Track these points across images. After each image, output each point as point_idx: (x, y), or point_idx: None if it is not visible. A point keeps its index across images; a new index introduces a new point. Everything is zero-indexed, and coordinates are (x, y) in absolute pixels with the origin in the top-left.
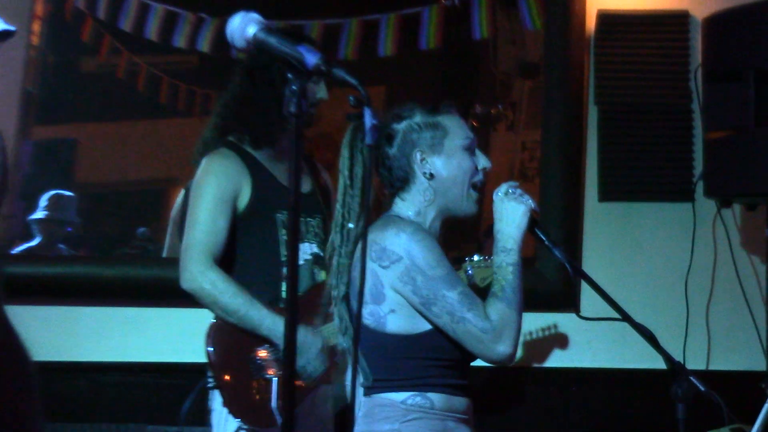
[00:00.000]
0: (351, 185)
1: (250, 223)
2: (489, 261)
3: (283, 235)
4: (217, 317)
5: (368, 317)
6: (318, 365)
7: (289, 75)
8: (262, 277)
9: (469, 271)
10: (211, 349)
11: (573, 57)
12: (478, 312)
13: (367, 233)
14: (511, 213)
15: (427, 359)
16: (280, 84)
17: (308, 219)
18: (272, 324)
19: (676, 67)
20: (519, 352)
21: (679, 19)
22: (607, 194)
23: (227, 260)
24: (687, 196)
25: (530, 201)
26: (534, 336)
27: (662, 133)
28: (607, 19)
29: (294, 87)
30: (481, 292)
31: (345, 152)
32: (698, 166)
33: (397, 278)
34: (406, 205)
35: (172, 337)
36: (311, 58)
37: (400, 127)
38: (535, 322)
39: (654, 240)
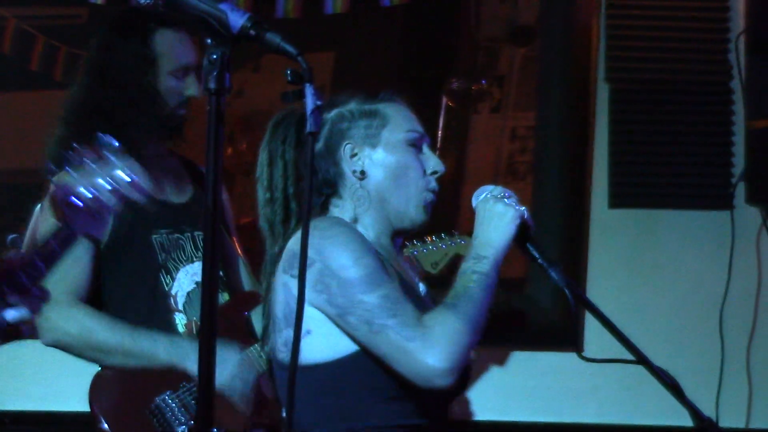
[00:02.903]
0: (271, 199)
1: (120, 252)
2: (436, 241)
3: (163, 259)
4: (97, 372)
5: (283, 348)
6: (243, 383)
7: (209, 41)
8: (145, 314)
9: (417, 264)
10: (98, 410)
11: (578, 19)
12: (405, 318)
13: (307, 247)
14: (496, 217)
15: (363, 389)
16: (145, 72)
17: (195, 233)
18: (169, 344)
19: (712, 34)
20: (501, 402)
21: None
22: (619, 199)
23: (97, 303)
24: (724, 202)
25: (524, 209)
26: (523, 381)
27: (692, 120)
28: None
29: (214, 56)
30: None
31: (262, 157)
32: (739, 164)
33: (310, 287)
34: (338, 212)
35: (53, 379)
36: (237, 19)
37: (329, 116)
38: (524, 364)
39: (680, 259)
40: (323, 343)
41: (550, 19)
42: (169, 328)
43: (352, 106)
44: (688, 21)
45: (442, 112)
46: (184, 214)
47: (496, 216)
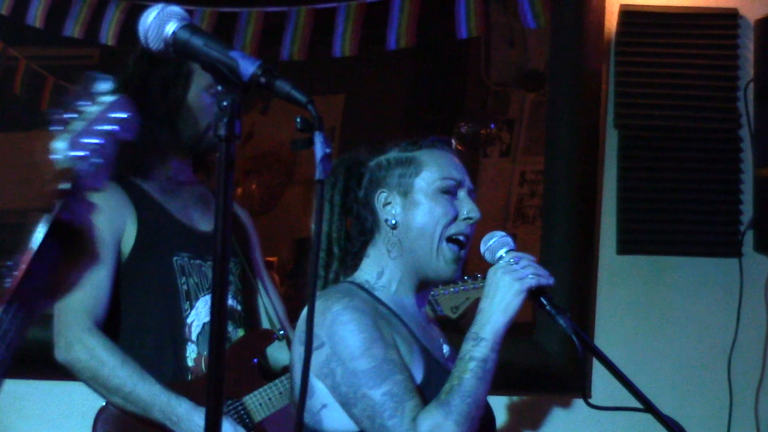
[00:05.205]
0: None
1: (139, 270)
2: (458, 284)
3: (183, 284)
4: (106, 402)
5: (306, 414)
6: None
7: (219, 88)
8: (159, 340)
9: (437, 307)
10: None
11: (587, 65)
12: (402, 420)
13: (315, 301)
14: (502, 291)
15: None
16: (175, 85)
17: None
18: (166, 404)
19: (721, 81)
20: None
21: (725, 20)
22: (628, 245)
23: (113, 321)
24: (732, 249)
25: (532, 278)
26: (530, 427)
27: (701, 167)
28: (632, 17)
29: (224, 103)
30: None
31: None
32: (747, 212)
33: (317, 368)
34: (369, 264)
35: (60, 420)
36: (247, 66)
37: (371, 164)
38: (531, 410)
39: (688, 306)
40: (340, 416)
41: (560, 64)
42: (178, 359)
43: (392, 154)
44: (697, 68)
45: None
46: (208, 243)
47: (501, 290)
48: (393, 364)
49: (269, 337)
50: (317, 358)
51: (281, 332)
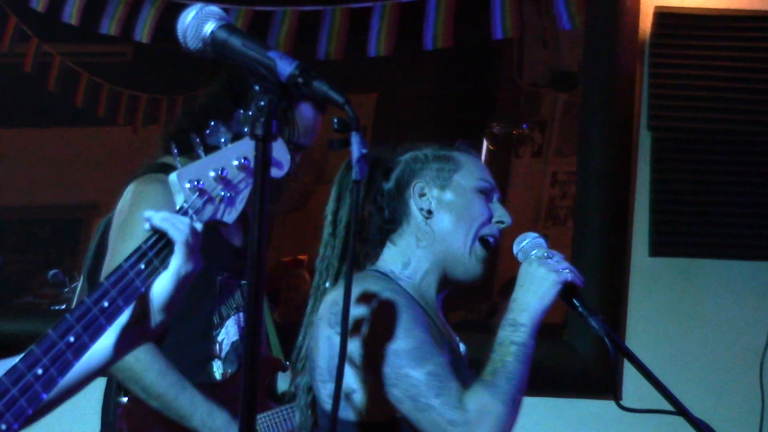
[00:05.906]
0: (333, 234)
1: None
2: None
3: (219, 302)
4: (130, 397)
5: (327, 400)
6: None
7: (257, 87)
8: (188, 353)
9: None
10: None
11: (621, 66)
12: (449, 399)
13: (350, 292)
14: (537, 281)
15: None
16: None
17: (244, 282)
18: (207, 414)
19: (756, 84)
20: None
21: (761, 23)
22: (660, 247)
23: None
24: (765, 252)
25: (568, 272)
26: (561, 429)
27: (735, 169)
28: (666, 19)
29: (262, 103)
30: None
31: (333, 191)
32: None
33: (355, 350)
34: (393, 254)
35: (92, 415)
36: (285, 67)
37: (404, 158)
38: (562, 412)
39: (720, 308)
40: (369, 404)
41: (593, 65)
42: (207, 375)
43: (428, 150)
44: (732, 71)
45: (483, 156)
46: (240, 262)
47: (537, 280)
48: (432, 346)
49: (278, 366)
50: (353, 340)
51: (287, 363)
